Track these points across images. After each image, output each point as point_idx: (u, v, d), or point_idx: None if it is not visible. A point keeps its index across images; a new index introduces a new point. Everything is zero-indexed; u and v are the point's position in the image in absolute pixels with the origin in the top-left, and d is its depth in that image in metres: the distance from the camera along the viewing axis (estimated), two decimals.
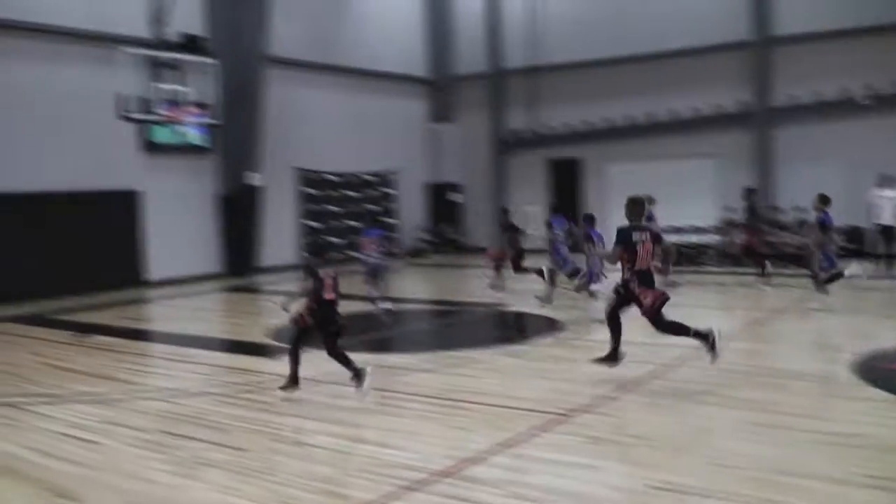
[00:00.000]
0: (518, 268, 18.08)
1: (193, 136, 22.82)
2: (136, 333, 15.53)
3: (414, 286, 18.92)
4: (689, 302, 16.52)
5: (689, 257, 23.18)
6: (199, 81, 19.53)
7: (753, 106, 25.73)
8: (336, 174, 27.80)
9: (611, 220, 27.24)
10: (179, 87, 18.81)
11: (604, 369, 10.04)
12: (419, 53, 31.59)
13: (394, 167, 29.95)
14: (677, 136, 26.74)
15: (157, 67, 18.67)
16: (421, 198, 31.45)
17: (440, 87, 31.99)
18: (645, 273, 9.75)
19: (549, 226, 17.38)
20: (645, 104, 27.30)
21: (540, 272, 17.30)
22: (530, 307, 16.20)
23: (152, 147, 22.64)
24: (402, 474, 6.87)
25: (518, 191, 29.89)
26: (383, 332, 15.06)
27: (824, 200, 15.44)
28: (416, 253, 29.97)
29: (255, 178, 24.21)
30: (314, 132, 27.00)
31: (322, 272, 9.62)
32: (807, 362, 11.39)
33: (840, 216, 21.68)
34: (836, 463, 6.86)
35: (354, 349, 11.05)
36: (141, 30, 19.61)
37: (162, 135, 22.28)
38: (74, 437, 8.40)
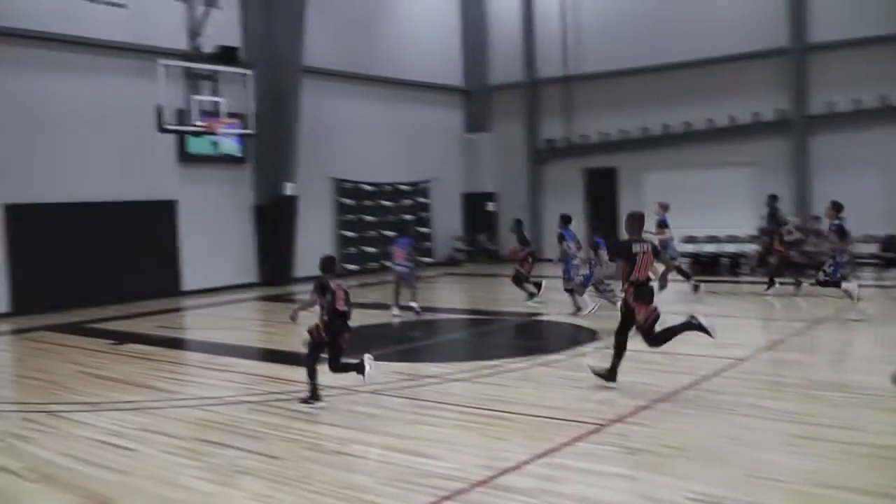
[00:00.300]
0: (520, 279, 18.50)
1: (229, 146, 22.95)
2: (172, 342, 15.61)
3: (449, 295, 18.93)
4: (726, 312, 16.45)
5: (726, 267, 23.04)
6: (235, 92, 19.68)
7: (790, 114, 25.49)
8: (371, 184, 27.88)
9: (646, 228, 27.31)
10: (215, 98, 18.93)
11: (642, 379, 10.06)
12: (454, 63, 31.61)
13: (429, 177, 30.00)
14: (713, 144, 26.57)
15: (194, 79, 18.82)
16: (457, 207, 31.45)
17: (475, 97, 31.98)
18: (642, 284, 9.97)
19: (561, 238, 17.36)
20: (681, 113, 27.15)
21: (538, 285, 17.93)
22: (565, 317, 16.15)
23: (189, 157, 22.83)
24: (438, 483, 6.86)
25: (553, 200, 29.77)
26: (417, 342, 15.08)
27: (838, 208, 15.42)
28: (451, 262, 30.00)
29: (290, 188, 24.31)
30: (349, 142, 27.10)
31: (333, 285, 9.78)
32: (845, 373, 11.29)
33: (879, 224, 21.64)
34: (874, 476, 6.78)
35: (388, 359, 11.14)
36: (178, 42, 19.80)
37: (198, 145, 22.42)
38: (112, 445, 8.46)
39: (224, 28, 21.94)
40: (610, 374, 10.05)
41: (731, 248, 24.09)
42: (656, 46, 27.21)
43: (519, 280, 18.38)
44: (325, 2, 25.88)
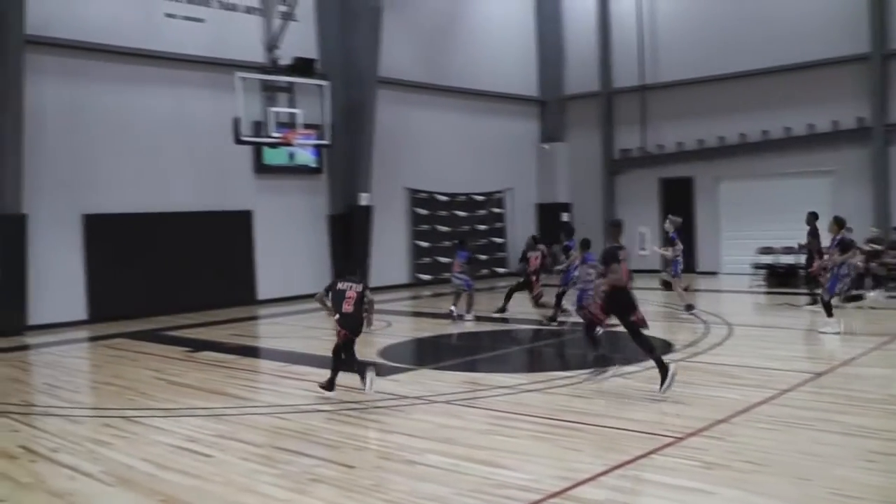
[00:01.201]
0: (509, 296, 19.00)
1: (305, 156, 23.16)
2: (247, 350, 15.75)
3: (523, 306, 18.84)
4: (803, 325, 16.14)
5: (804, 279, 22.55)
6: (311, 103, 19.82)
7: (870, 122, 24.95)
8: (446, 194, 27.92)
9: (721, 239, 26.99)
10: (292, 110, 19.06)
11: (718, 393, 10.00)
12: (530, 73, 31.61)
13: (504, 187, 29.99)
14: (791, 153, 26.13)
15: (271, 90, 18.98)
16: (532, 218, 31.34)
17: (550, 107, 31.91)
18: (623, 290, 10.51)
19: (567, 249, 17.43)
20: (758, 121, 26.74)
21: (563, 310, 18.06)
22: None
23: (265, 168, 23.14)
24: (513, 494, 6.81)
25: (629, 210, 29.57)
26: (491, 352, 15.05)
27: (840, 223, 15.65)
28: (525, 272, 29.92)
29: (365, 198, 24.45)
30: (424, 152, 27.21)
31: (344, 285, 10.75)
32: None
33: None
34: None
35: (461, 368, 11.10)
36: (255, 55, 20.02)
37: (274, 156, 22.69)
38: (189, 450, 8.56)
39: (301, 40, 22.25)
40: (663, 375, 10.16)
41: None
42: (733, 54, 26.87)
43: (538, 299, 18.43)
44: (401, 13, 26.06)
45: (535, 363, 14.45)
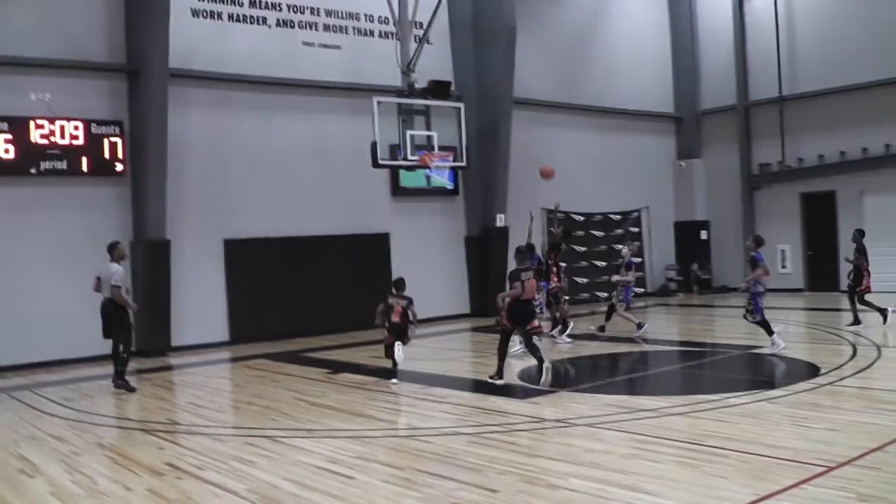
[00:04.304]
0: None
1: (440, 179, 23.26)
2: (386, 372, 15.78)
3: (663, 326, 18.49)
4: None
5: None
6: (447, 125, 19.91)
7: None
8: (582, 214, 27.67)
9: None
10: (428, 132, 19.15)
11: (870, 419, 9.69)
12: (665, 89, 31.22)
13: (640, 205, 29.63)
14: None
15: (407, 114, 19.13)
16: (669, 236, 30.91)
17: (686, 123, 31.42)
18: (527, 303, 13.37)
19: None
20: None
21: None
22: (784, 351, 15.53)
23: (402, 191, 23.39)
24: None
25: (769, 227, 28.78)
26: (629, 374, 14.84)
27: (758, 242, 15.75)
28: (664, 292, 29.49)
29: (501, 219, 24.45)
30: (560, 172, 26.99)
31: (393, 301, 14.16)
32: None
33: None
34: None
35: (600, 391, 10.93)
36: (391, 79, 20.22)
37: (411, 179, 22.87)
38: (330, 471, 8.60)
39: (436, 62, 22.46)
40: (497, 374, 13.31)
41: None
42: (875, 61, 25.74)
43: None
44: (534, 33, 26.07)
45: (676, 386, 14.12)
